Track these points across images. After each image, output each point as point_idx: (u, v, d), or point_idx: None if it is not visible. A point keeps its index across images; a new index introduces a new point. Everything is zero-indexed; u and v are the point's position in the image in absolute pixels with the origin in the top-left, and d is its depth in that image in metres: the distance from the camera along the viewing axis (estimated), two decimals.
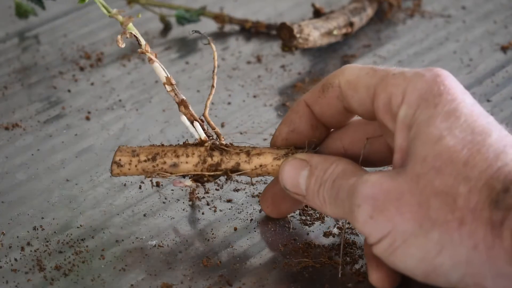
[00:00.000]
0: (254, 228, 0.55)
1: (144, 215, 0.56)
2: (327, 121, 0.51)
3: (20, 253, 0.53)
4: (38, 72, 0.71)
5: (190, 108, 0.53)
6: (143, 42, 0.52)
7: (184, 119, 0.53)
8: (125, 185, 0.59)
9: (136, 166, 0.52)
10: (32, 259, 0.53)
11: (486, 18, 0.78)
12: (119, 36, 0.51)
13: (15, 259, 0.53)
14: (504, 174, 0.41)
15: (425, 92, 0.45)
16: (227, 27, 0.77)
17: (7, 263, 0.53)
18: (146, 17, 0.78)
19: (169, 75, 0.53)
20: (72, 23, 0.78)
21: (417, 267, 0.44)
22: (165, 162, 0.52)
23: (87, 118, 0.66)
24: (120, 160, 0.52)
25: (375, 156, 0.51)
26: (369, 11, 0.76)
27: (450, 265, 0.43)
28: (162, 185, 0.59)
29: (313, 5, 0.76)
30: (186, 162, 0.52)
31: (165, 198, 0.58)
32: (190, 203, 0.57)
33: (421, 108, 0.44)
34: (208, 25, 0.77)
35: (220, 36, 0.76)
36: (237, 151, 0.52)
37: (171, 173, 0.52)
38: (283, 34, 0.70)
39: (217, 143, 0.52)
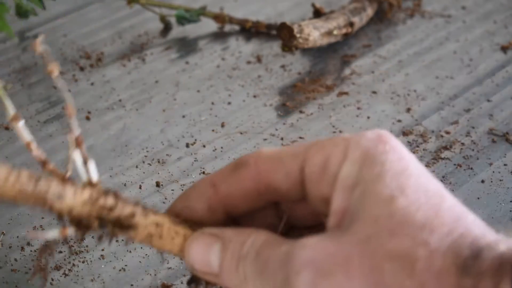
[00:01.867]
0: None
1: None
2: (232, 203, 0.45)
3: (20, 253, 0.53)
4: (38, 72, 0.71)
5: (83, 146, 0.45)
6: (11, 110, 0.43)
7: (77, 155, 0.45)
8: (125, 185, 0.59)
9: (13, 183, 0.42)
10: (32, 259, 0.53)
11: (486, 18, 0.78)
12: None
13: (15, 259, 0.53)
14: (469, 240, 0.38)
15: (370, 149, 0.41)
16: (227, 27, 0.77)
17: (7, 263, 0.53)
18: (146, 17, 0.78)
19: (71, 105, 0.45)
20: (72, 23, 0.78)
21: None
22: (49, 189, 0.42)
23: (87, 118, 0.66)
24: None
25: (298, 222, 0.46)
26: (369, 11, 0.76)
27: None
28: (162, 185, 0.59)
29: (313, 5, 0.76)
30: (74, 197, 0.42)
31: (165, 198, 0.58)
32: (38, 275, 0.46)
33: (367, 166, 0.41)
34: (208, 25, 0.77)
35: (220, 36, 0.76)
36: (132, 202, 0.44)
37: (50, 207, 0.42)
38: (283, 34, 0.70)
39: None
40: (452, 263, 0.39)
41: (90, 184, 0.44)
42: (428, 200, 0.40)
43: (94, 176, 0.44)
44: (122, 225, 0.43)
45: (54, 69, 0.44)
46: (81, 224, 0.43)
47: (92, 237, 0.54)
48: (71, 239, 0.45)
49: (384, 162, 0.41)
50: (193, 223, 0.44)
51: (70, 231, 0.43)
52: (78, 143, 0.45)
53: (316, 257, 0.39)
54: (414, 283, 0.39)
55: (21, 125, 0.44)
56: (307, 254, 0.39)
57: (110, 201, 0.43)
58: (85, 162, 0.44)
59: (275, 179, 0.44)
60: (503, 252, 0.38)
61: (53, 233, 0.43)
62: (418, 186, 0.41)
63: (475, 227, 0.40)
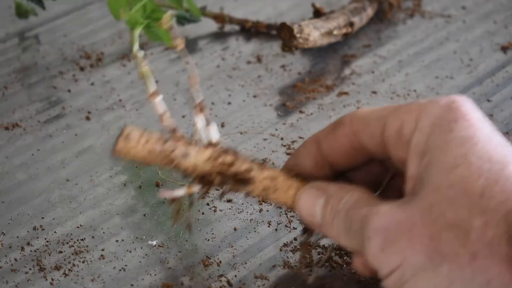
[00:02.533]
0: (254, 228, 0.55)
1: (144, 215, 0.56)
2: (334, 159, 0.49)
3: (20, 253, 0.53)
4: (38, 72, 0.71)
5: (206, 111, 0.50)
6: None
7: (198, 119, 0.50)
8: (125, 185, 0.59)
9: (144, 144, 0.46)
10: (32, 259, 0.53)
11: (486, 18, 0.78)
12: None
13: (15, 259, 0.53)
14: None
15: (440, 118, 0.43)
16: (227, 27, 0.77)
17: (7, 263, 0.53)
18: None
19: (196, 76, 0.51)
20: (72, 23, 0.78)
21: None
22: (176, 149, 0.47)
23: (87, 118, 0.66)
24: (129, 134, 0.46)
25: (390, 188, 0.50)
26: (369, 11, 0.76)
27: None
28: (162, 185, 0.59)
29: (313, 5, 0.76)
30: (197, 155, 0.47)
31: (165, 198, 0.58)
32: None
33: (435, 134, 0.43)
34: (208, 25, 0.77)
35: (220, 36, 0.76)
36: (249, 159, 0.49)
37: (177, 165, 0.47)
38: (283, 34, 0.70)
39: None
40: (504, 233, 0.40)
41: (211, 144, 0.48)
42: (491, 167, 0.41)
43: (215, 137, 0.49)
44: (241, 180, 0.48)
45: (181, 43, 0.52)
46: (204, 180, 0.48)
47: (92, 237, 0.54)
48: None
49: (452, 130, 0.43)
50: (305, 177, 0.49)
51: (196, 188, 0.48)
52: (200, 109, 0.50)
53: (385, 224, 0.42)
54: (468, 252, 0.40)
55: (158, 100, 0.50)
56: (378, 221, 0.42)
57: (229, 158, 0.48)
58: (207, 125, 0.49)
59: (363, 139, 0.47)
60: None
61: (182, 191, 0.48)
62: (483, 153, 0.42)
63: None
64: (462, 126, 0.43)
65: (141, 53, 0.53)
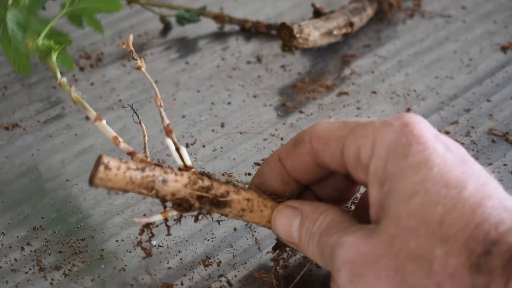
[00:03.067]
0: (254, 228, 0.55)
1: (144, 215, 0.56)
2: (299, 176, 0.49)
3: (20, 253, 0.53)
4: (38, 72, 0.71)
5: (173, 135, 0.50)
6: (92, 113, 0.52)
7: (169, 143, 0.49)
8: None
9: (124, 173, 0.45)
10: (32, 259, 0.53)
11: (486, 18, 0.78)
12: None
13: (15, 259, 0.53)
14: (483, 233, 0.39)
15: (394, 143, 0.43)
16: (227, 27, 0.77)
17: (7, 263, 0.53)
18: (146, 17, 0.78)
19: (158, 96, 0.51)
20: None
21: None
22: (154, 176, 0.46)
23: (87, 118, 0.66)
24: (108, 162, 0.45)
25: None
26: (369, 11, 0.76)
27: None
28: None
29: (313, 5, 0.76)
30: (175, 181, 0.47)
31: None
32: (143, 253, 0.51)
33: (391, 160, 0.42)
34: (208, 25, 0.77)
35: (220, 36, 0.76)
36: (224, 180, 0.48)
37: (156, 192, 0.46)
38: (283, 34, 0.70)
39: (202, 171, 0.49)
40: (466, 261, 0.39)
41: (185, 167, 0.48)
42: (448, 192, 0.41)
43: (187, 160, 0.48)
44: (219, 203, 0.48)
45: (142, 65, 0.51)
46: (182, 205, 0.47)
47: (92, 237, 0.54)
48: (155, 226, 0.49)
49: (406, 155, 0.42)
50: (275, 195, 0.49)
51: (172, 213, 0.48)
52: (168, 132, 0.49)
53: (351, 257, 0.42)
54: (433, 283, 0.40)
55: (104, 123, 0.51)
56: (344, 253, 0.43)
57: (206, 182, 0.47)
58: (177, 149, 0.49)
59: (324, 159, 0.47)
60: None
61: (157, 217, 0.47)
62: (439, 178, 0.41)
63: (493, 213, 0.40)
64: (417, 151, 0.42)
65: (64, 80, 0.53)
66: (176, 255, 0.53)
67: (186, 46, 0.75)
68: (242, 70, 0.72)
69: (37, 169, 0.61)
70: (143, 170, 0.46)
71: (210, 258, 0.53)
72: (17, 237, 0.55)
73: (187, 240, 0.54)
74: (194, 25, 0.77)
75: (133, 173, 0.46)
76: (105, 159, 0.45)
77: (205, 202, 0.47)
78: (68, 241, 0.54)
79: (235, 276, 0.52)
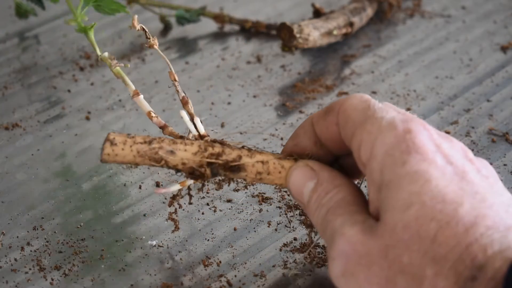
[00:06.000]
0: (254, 228, 0.55)
1: (144, 215, 0.56)
2: (327, 143, 0.48)
3: (20, 253, 0.53)
4: (38, 72, 0.71)
5: (190, 105, 0.51)
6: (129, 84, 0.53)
7: (184, 114, 0.50)
8: (125, 185, 0.59)
9: (131, 147, 0.47)
10: (32, 259, 0.53)
11: (486, 18, 0.78)
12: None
13: (15, 259, 0.53)
14: (472, 255, 0.39)
15: (393, 148, 0.42)
16: (227, 27, 0.77)
17: (7, 263, 0.53)
18: (146, 17, 0.78)
19: (173, 71, 0.52)
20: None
21: None
22: (162, 147, 0.48)
23: (87, 118, 0.66)
24: (114, 138, 0.47)
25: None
26: (369, 11, 0.76)
27: None
28: (162, 185, 0.59)
29: (313, 5, 0.76)
30: (185, 150, 0.48)
31: (165, 198, 0.58)
32: (168, 214, 0.53)
33: (388, 165, 0.42)
34: (208, 25, 0.77)
35: (220, 36, 0.76)
36: (238, 146, 0.49)
37: (165, 163, 0.48)
38: (283, 34, 0.70)
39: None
40: (453, 285, 0.39)
41: (199, 136, 0.49)
42: (444, 208, 0.40)
43: (201, 129, 0.50)
44: (232, 168, 0.48)
45: (155, 43, 0.53)
46: (195, 173, 0.48)
47: (92, 237, 0.54)
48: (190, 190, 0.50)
49: (404, 163, 0.42)
50: (303, 157, 0.49)
51: (189, 182, 0.48)
52: (184, 103, 0.51)
53: (347, 252, 0.42)
54: None
55: (141, 98, 0.53)
56: (342, 245, 0.43)
57: (217, 148, 0.48)
58: (192, 119, 0.50)
59: (343, 133, 0.47)
60: (497, 270, 0.38)
61: (176, 187, 0.49)
62: (436, 192, 0.41)
63: (485, 234, 0.40)
64: (415, 160, 0.42)
65: (106, 54, 0.54)
66: (176, 255, 0.53)
67: (186, 46, 0.75)
68: (242, 70, 0.72)
69: (37, 169, 0.61)
70: (150, 143, 0.48)
71: (210, 258, 0.53)
72: (17, 237, 0.55)
73: (187, 240, 0.54)
74: (194, 25, 0.77)
75: (140, 146, 0.47)
76: (111, 136, 0.47)
77: (216, 168, 0.48)
78: (68, 241, 0.54)
79: (235, 276, 0.52)
